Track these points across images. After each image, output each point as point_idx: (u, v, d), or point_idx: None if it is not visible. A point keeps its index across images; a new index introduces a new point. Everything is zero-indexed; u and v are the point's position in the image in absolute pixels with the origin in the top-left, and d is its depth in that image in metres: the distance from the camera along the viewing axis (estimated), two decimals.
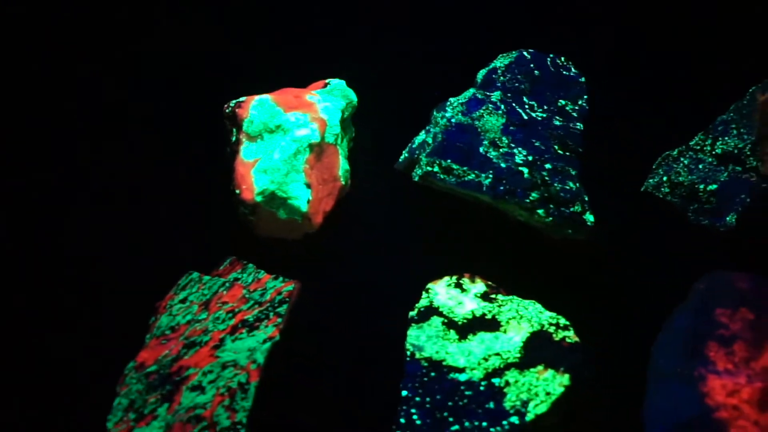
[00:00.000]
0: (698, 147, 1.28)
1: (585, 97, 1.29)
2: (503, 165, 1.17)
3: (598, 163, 1.31)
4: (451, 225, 1.26)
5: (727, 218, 1.25)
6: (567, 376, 1.05)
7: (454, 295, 1.17)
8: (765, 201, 1.24)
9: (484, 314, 1.14)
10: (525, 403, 1.05)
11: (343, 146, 1.31)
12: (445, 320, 1.13)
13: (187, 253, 1.26)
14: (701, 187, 1.25)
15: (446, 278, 1.20)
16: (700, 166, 1.27)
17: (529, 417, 1.03)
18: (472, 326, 1.13)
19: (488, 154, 1.18)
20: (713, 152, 1.26)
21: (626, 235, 1.28)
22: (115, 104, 1.44)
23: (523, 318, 1.14)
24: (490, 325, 1.13)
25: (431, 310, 1.15)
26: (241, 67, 1.45)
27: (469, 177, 1.18)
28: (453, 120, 1.22)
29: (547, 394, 1.05)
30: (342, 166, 1.28)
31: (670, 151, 1.29)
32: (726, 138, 1.26)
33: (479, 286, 1.19)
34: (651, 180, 1.29)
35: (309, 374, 1.15)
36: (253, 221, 1.22)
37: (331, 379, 1.16)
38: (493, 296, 1.17)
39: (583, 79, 1.32)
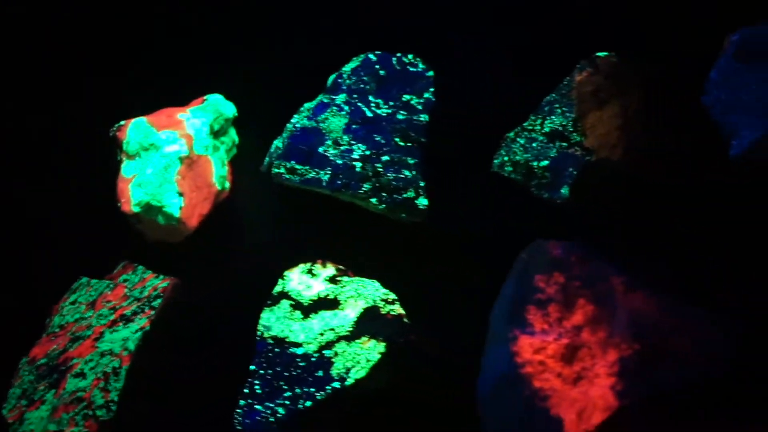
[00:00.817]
0: (530, 127, 1.37)
1: (431, 89, 1.42)
2: (339, 162, 1.32)
3: (451, 149, 1.43)
4: (316, 219, 1.40)
5: (562, 191, 1.34)
6: (383, 344, 1.19)
7: (304, 280, 1.31)
8: (591, 171, 1.33)
9: (327, 295, 1.28)
10: (348, 370, 1.18)
11: (218, 154, 1.47)
12: (293, 302, 1.28)
13: (87, 261, 1.45)
14: (535, 164, 1.35)
15: (301, 265, 1.34)
16: (534, 145, 1.36)
17: (349, 381, 1.17)
18: (316, 306, 1.28)
19: (327, 153, 1.33)
20: (543, 131, 1.36)
21: (473, 213, 1.39)
22: (13, 115, 1.63)
23: (360, 296, 1.27)
24: (331, 304, 1.27)
25: (282, 295, 1.29)
26: (141, 85, 1.62)
27: (310, 175, 1.32)
28: (298, 125, 1.37)
29: (367, 360, 1.19)
30: (216, 172, 1.45)
31: (509, 133, 1.39)
32: (552, 117, 1.35)
33: (329, 271, 1.32)
34: (496, 161, 1.39)
35: (180, 357, 1.32)
36: (141, 229, 1.41)
37: (199, 361, 1.32)
38: (339, 279, 1.31)
39: (431, 73, 1.43)
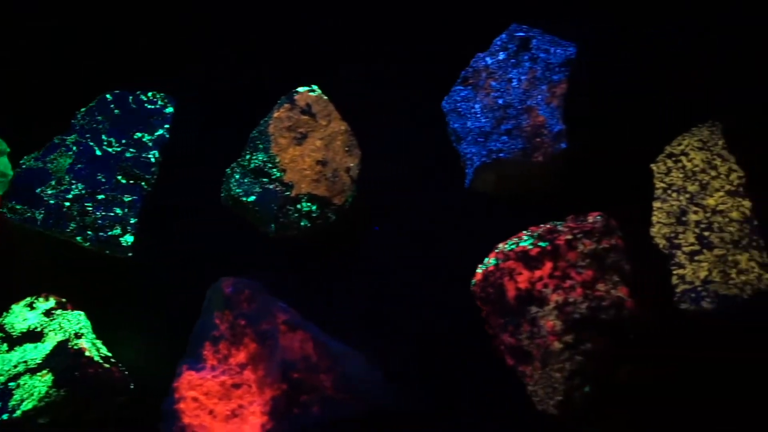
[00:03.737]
0: (244, 162, 1.39)
1: (167, 126, 1.45)
2: (52, 202, 1.38)
3: (184, 184, 1.47)
4: (50, 253, 1.46)
5: (271, 226, 1.36)
6: (49, 377, 1.24)
7: (23, 313, 1.37)
8: (289, 204, 1.35)
9: (35, 328, 1.34)
10: (21, 402, 1.25)
11: None
12: (4, 335, 1.35)
13: None
14: (244, 199, 1.37)
15: (27, 299, 1.41)
16: (246, 180, 1.38)
17: (17, 414, 1.23)
18: (23, 339, 1.34)
19: (44, 193, 1.39)
20: (250, 167, 1.38)
21: (195, 246, 1.43)
22: None
23: (61, 329, 1.33)
24: (36, 337, 1.33)
25: None
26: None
27: (27, 215, 1.39)
28: (24, 165, 1.43)
29: (39, 393, 1.24)
30: None
31: (228, 168, 1.41)
32: (256, 153, 1.37)
33: (49, 304, 1.38)
34: (222, 195, 1.42)
35: None
36: None
37: None
38: (53, 312, 1.36)
39: (169, 110, 1.47)
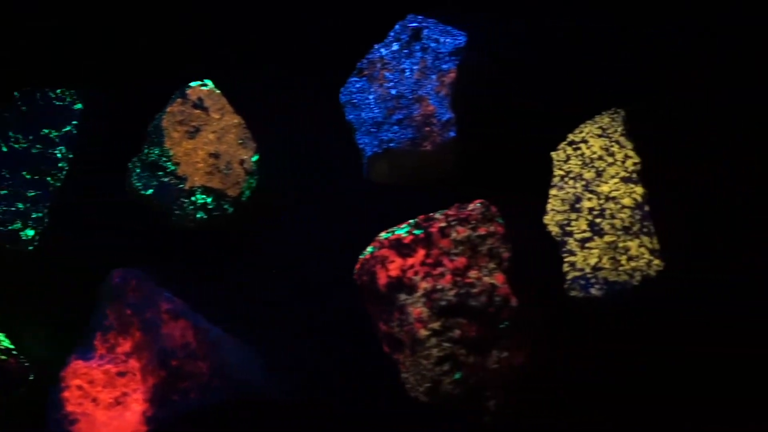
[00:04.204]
0: (143, 156, 1.40)
1: (75, 122, 1.48)
2: None
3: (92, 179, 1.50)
4: None
5: (173, 218, 1.38)
6: None
7: None
8: (183, 197, 1.37)
9: None
10: None
11: None
12: None
13: None
14: (143, 192, 1.39)
15: None
16: (145, 174, 1.40)
17: None
18: None
19: None
20: (147, 161, 1.40)
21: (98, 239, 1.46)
22: None
23: None
24: None
25: None
26: None
27: None
28: None
29: None
30: None
31: (129, 163, 1.43)
32: (152, 147, 1.39)
33: None
34: (127, 188, 1.44)
35: None
36: None
37: None
38: None
39: (78, 106, 1.49)
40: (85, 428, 1.23)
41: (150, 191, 1.40)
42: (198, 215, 1.38)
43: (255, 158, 1.40)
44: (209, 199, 1.39)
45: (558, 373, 1.29)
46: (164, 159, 1.39)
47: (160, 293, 1.26)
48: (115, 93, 1.55)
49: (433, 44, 1.42)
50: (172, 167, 1.39)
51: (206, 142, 1.39)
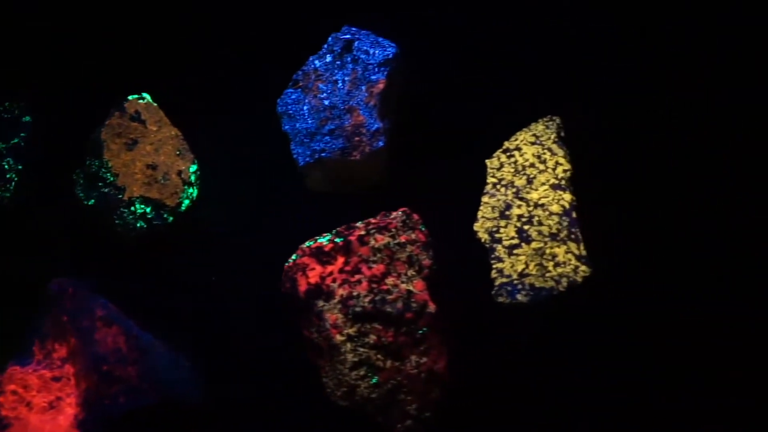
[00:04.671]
0: (86, 168, 1.44)
1: (23, 134, 1.51)
2: None
3: None
4: None
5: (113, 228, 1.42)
6: None
7: None
8: (123, 207, 1.40)
9: None
10: None
11: None
12: None
13: None
14: (86, 203, 1.43)
15: None
16: (87, 184, 1.44)
17: None
18: None
19: None
20: (89, 172, 1.44)
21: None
22: None
23: None
24: None
25: None
26: None
27: None
28: None
29: None
30: None
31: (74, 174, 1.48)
32: (93, 159, 1.43)
33: None
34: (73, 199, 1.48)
35: None
36: None
37: None
38: None
39: (27, 119, 1.53)
40: (18, 431, 1.28)
41: (92, 201, 1.45)
42: (138, 224, 1.42)
43: (193, 169, 1.46)
44: (148, 209, 1.43)
45: (482, 379, 1.32)
46: (104, 170, 1.43)
47: (95, 300, 1.31)
48: (62, 105, 1.61)
49: (363, 56, 1.45)
50: (112, 178, 1.43)
51: (144, 153, 1.44)
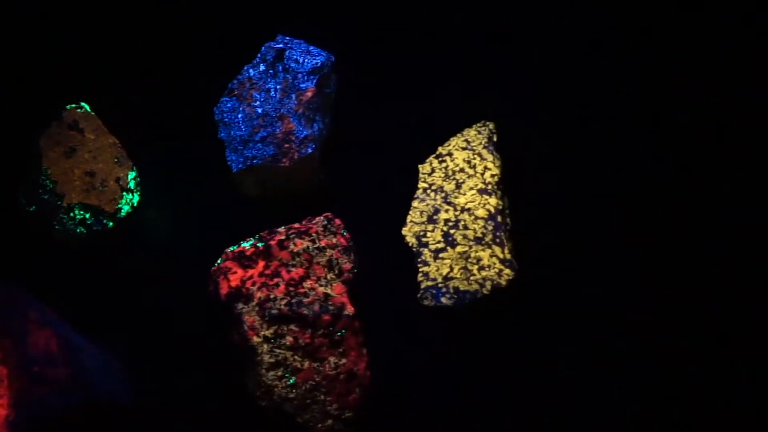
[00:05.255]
0: (28, 175, 1.47)
1: None
2: None
3: None
4: None
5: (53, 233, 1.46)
6: None
7: None
8: (62, 213, 1.44)
9: None
10: None
11: None
12: None
13: None
14: (28, 209, 1.47)
15: None
16: (29, 191, 1.48)
17: None
18: None
19: None
20: (31, 179, 1.47)
21: None
22: None
23: None
24: None
25: None
26: None
27: None
28: None
29: None
30: None
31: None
32: (34, 167, 1.46)
33: None
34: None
35: None
36: None
37: None
38: None
39: None
40: None
41: (33, 207, 1.49)
42: (78, 230, 1.47)
43: (132, 175, 1.50)
44: (87, 215, 1.47)
45: (405, 380, 1.35)
46: (43, 177, 1.47)
47: (30, 303, 1.34)
48: (7, 112, 1.67)
49: (293, 64, 1.49)
50: (51, 185, 1.48)
51: (82, 161, 1.48)
